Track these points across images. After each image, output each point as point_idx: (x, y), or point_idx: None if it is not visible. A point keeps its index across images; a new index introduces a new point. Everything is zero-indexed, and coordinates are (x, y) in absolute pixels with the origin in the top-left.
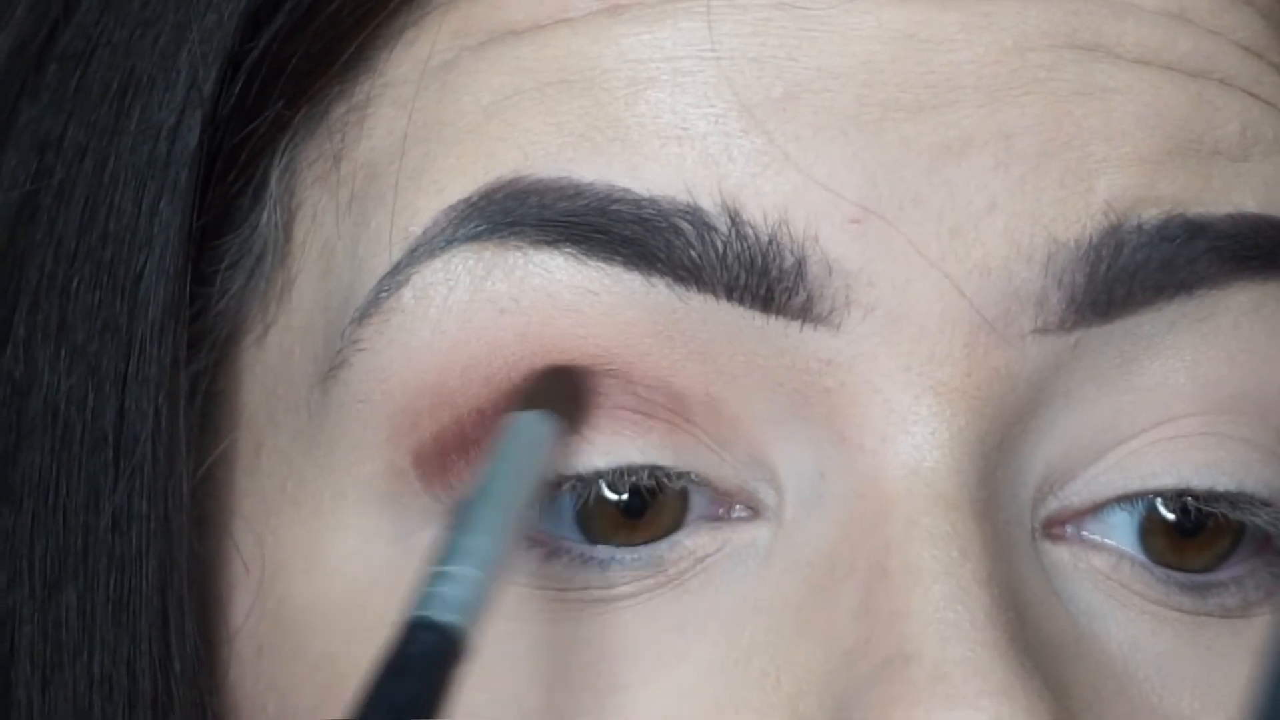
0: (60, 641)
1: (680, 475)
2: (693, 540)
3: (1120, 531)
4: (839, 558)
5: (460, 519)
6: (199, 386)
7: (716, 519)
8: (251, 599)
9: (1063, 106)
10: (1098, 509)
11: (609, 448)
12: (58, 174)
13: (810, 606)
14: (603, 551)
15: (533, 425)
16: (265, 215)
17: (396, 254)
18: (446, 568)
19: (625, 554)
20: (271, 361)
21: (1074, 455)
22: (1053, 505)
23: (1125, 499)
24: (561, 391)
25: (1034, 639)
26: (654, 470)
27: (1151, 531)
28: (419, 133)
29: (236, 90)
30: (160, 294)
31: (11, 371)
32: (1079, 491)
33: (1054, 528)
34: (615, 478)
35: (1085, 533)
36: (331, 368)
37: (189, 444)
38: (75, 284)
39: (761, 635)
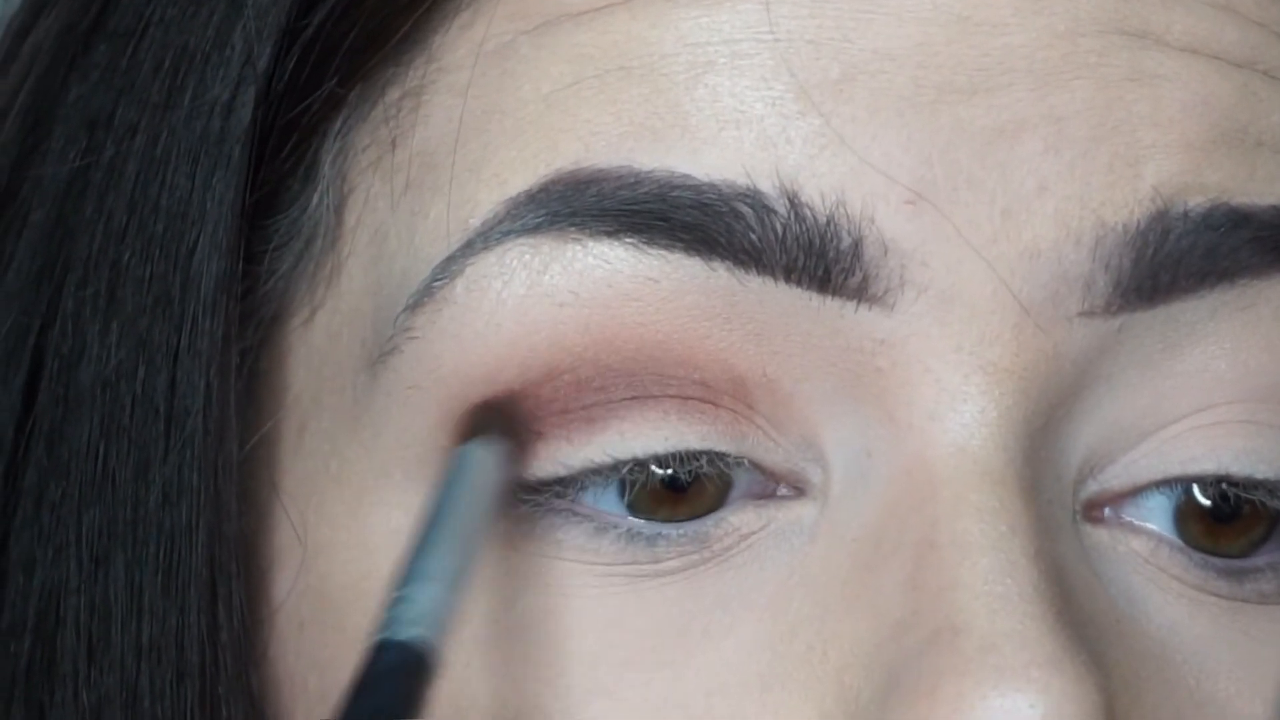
0: (108, 612)
1: (737, 461)
2: (738, 517)
3: (1157, 516)
4: (886, 533)
5: (416, 545)
6: (244, 365)
7: (762, 497)
8: (294, 575)
9: (1112, 92)
10: (1137, 492)
11: (670, 433)
12: (108, 150)
13: (857, 581)
14: (649, 527)
15: (480, 452)
16: (317, 197)
17: (452, 245)
18: (404, 591)
19: (671, 529)
20: (317, 343)
21: (1115, 439)
22: (1092, 488)
23: (1164, 483)
24: (499, 421)
25: (1077, 617)
26: (713, 457)
27: (1187, 517)
28: (477, 121)
29: (290, 67)
30: (213, 268)
31: (59, 346)
32: (1119, 475)
33: (1093, 510)
34: (674, 463)
35: (1124, 516)
36: (382, 353)
37: (237, 420)
38: (126, 258)
39: (807, 610)
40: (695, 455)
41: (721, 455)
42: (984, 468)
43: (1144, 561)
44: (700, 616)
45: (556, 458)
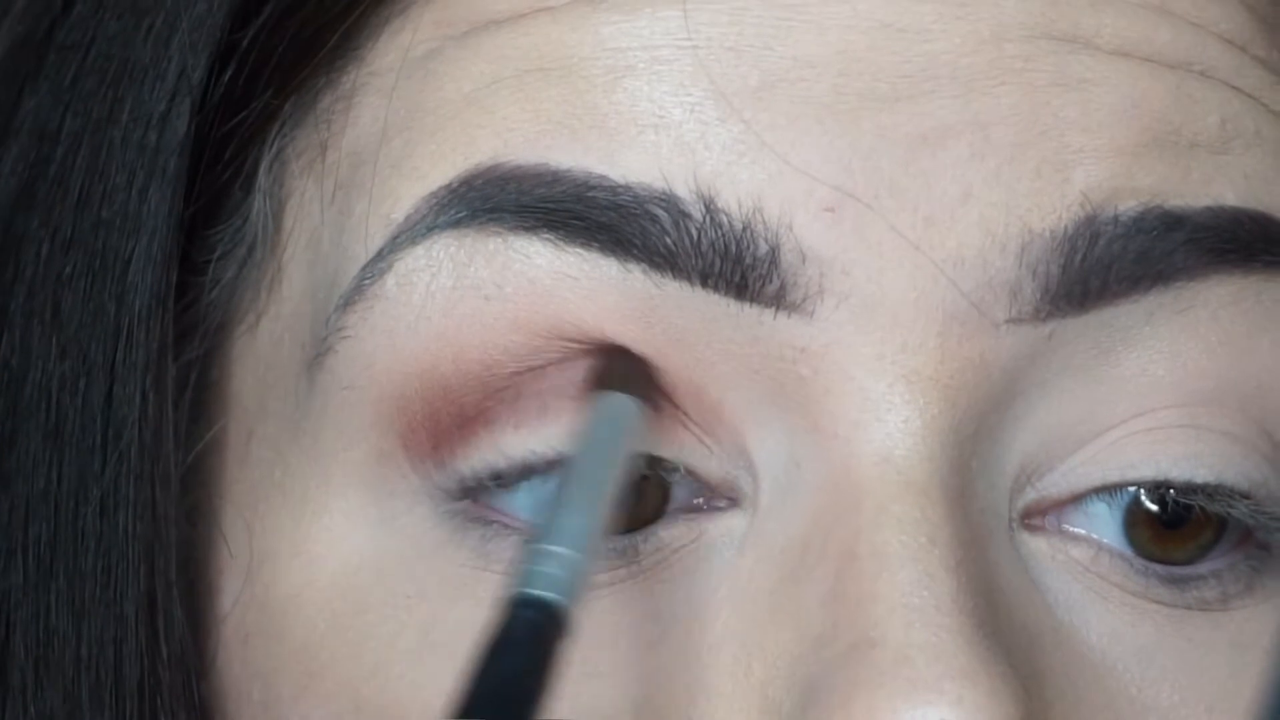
0: (51, 626)
1: (673, 468)
2: (669, 532)
3: (1103, 523)
4: (810, 545)
5: (556, 498)
6: (190, 376)
7: (695, 510)
8: (239, 586)
9: (1039, 97)
10: (1077, 500)
11: None
12: (54, 163)
13: (782, 593)
14: None
15: (618, 405)
16: (256, 205)
17: (378, 241)
18: (545, 546)
19: (611, 542)
20: (263, 350)
21: (1052, 446)
22: (1030, 496)
23: (1104, 490)
24: (632, 372)
25: (1006, 627)
26: (651, 460)
27: (1136, 523)
28: (401, 121)
29: (226, 79)
30: (148, 280)
31: (8, 358)
32: (1057, 482)
33: (1032, 518)
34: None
35: (1065, 524)
36: (317, 355)
37: (178, 431)
38: (68, 271)
39: (735, 622)
40: (644, 458)
41: (660, 460)
42: (907, 478)
43: (1084, 570)
44: (629, 629)
45: (498, 445)
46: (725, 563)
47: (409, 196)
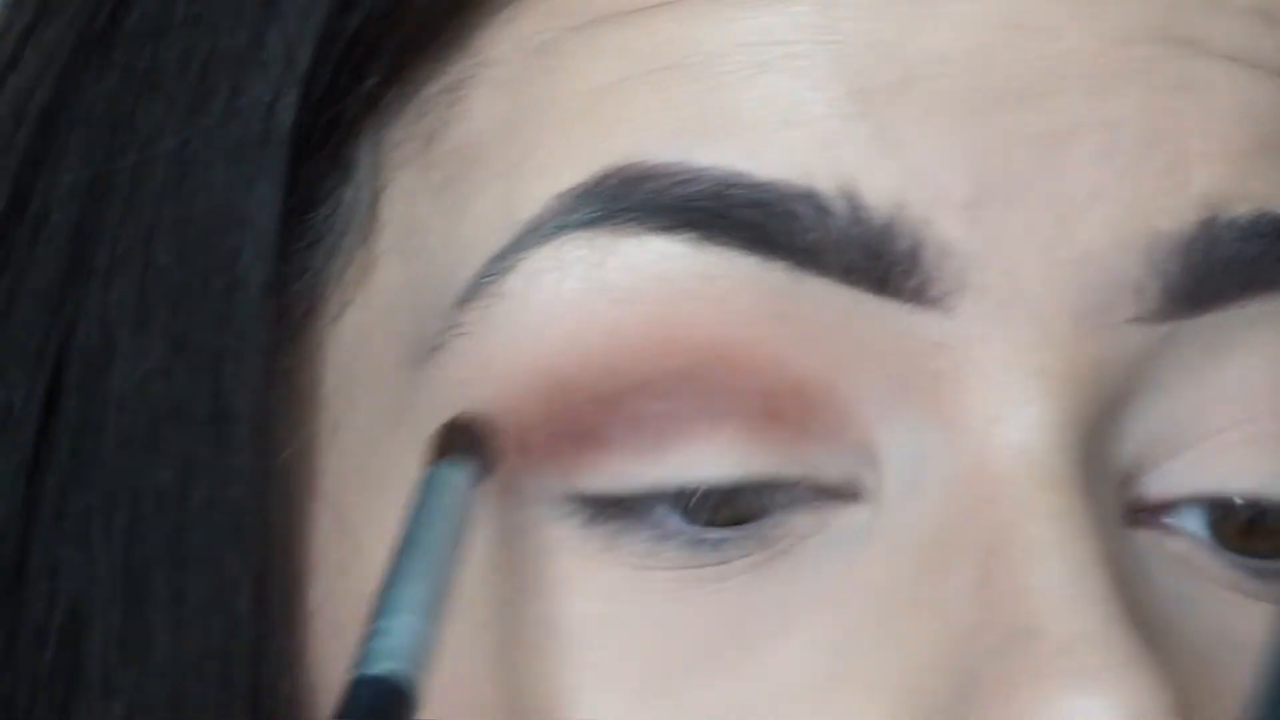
0: (147, 622)
1: (793, 484)
2: (795, 519)
3: (1191, 517)
4: (948, 538)
5: (389, 574)
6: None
7: (815, 502)
8: (330, 579)
9: (1162, 99)
10: (1176, 503)
11: (739, 458)
12: (131, 153)
13: (922, 585)
14: (713, 533)
15: (450, 474)
16: (350, 194)
17: (501, 239)
18: (380, 623)
19: (733, 533)
20: (348, 341)
21: (1157, 446)
22: (1134, 491)
23: (1199, 499)
24: (468, 440)
25: (1138, 618)
26: (778, 485)
27: (1220, 519)
28: (521, 115)
29: (330, 68)
30: (259, 273)
31: (85, 349)
32: (1158, 481)
33: (1136, 513)
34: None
35: (1163, 519)
36: (429, 350)
37: (278, 423)
38: (160, 261)
39: (870, 613)
40: (764, 483)
41: (784, 482)
42: (1047, 470)
43: (1183, 564)
44: (759, 618)
45: (625, 473)
46: (851, 554)
47: (537, 194)
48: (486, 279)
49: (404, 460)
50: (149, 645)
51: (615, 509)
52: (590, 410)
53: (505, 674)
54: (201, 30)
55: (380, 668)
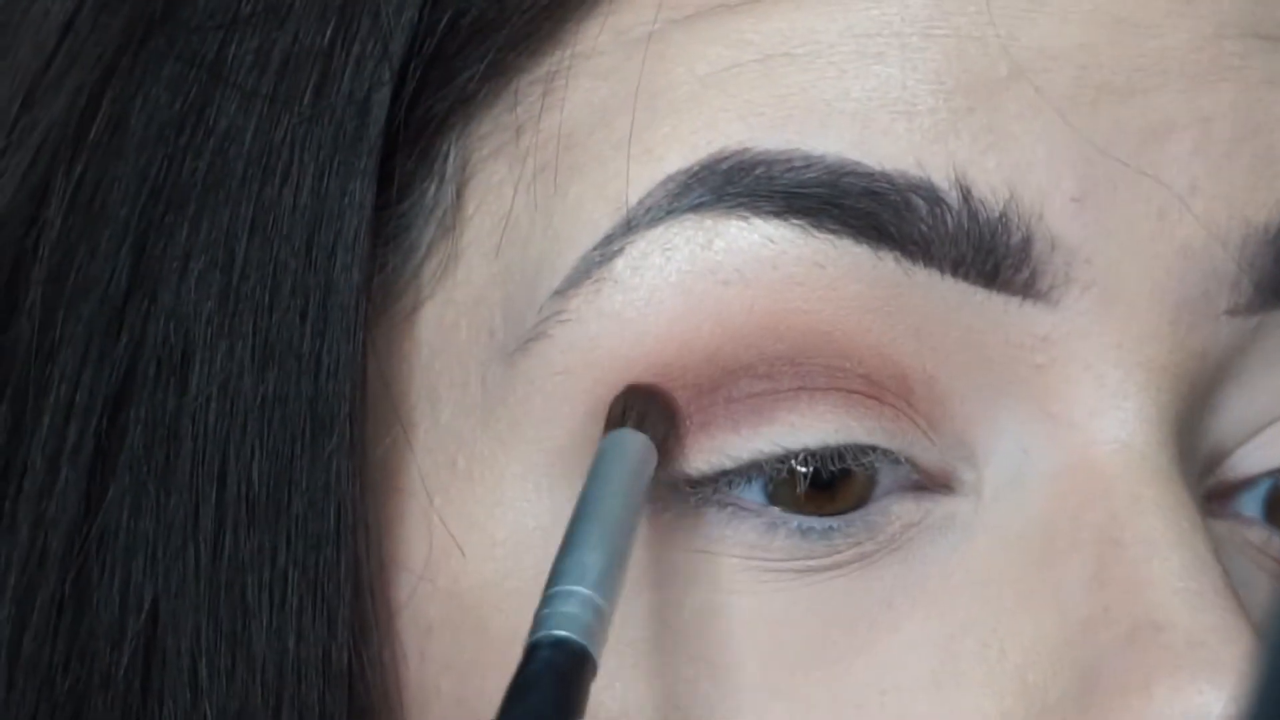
0: (244, 622)
1: (895, 460)
2: (899, 507)
3: (1249, 506)
4: (1056, 530)
5: (569, 538)
6: None
7: (916, 489)
8: (417, 576)
9: (1253, 94)
10: (1249, 483)
11: (839, 426)
12: (203, 148)
13: (1031, 578)
14: (820, 522)
15: (632, 440)
16: (433, 188)
17: (606, 224)
18: (558, 588)
19: (841, 522)
20: (427, 337)
21: (1235, 433)
22: (1211, 481)
23: (1270, 474)
24: (652, 410)
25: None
26: (881, 452)
27: (1276, 506)
28: (625, 103)
29: (423, 65)
30: (355, 272)
31: (160, 345)
32: (1233, 467)
33: (1211, 503)
34: (840, 459)
35: (1235, 509)
36: (525, 340)
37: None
38: (240, 259)
39: (977, 607)
40: (865, 450)
41: (888, 452)
42: (1153, 464)
43: (1258, 552)
44: (867, 612)
45: (724, 449)
46: (954, 547)
47: (644, 179)
48: (592, 264)
49: (496, 457)
50: (245, 648)
51: (719, 492)
52: (693, 393)
53: (618, 667)
54: (277, 23)
55: (562, 631)
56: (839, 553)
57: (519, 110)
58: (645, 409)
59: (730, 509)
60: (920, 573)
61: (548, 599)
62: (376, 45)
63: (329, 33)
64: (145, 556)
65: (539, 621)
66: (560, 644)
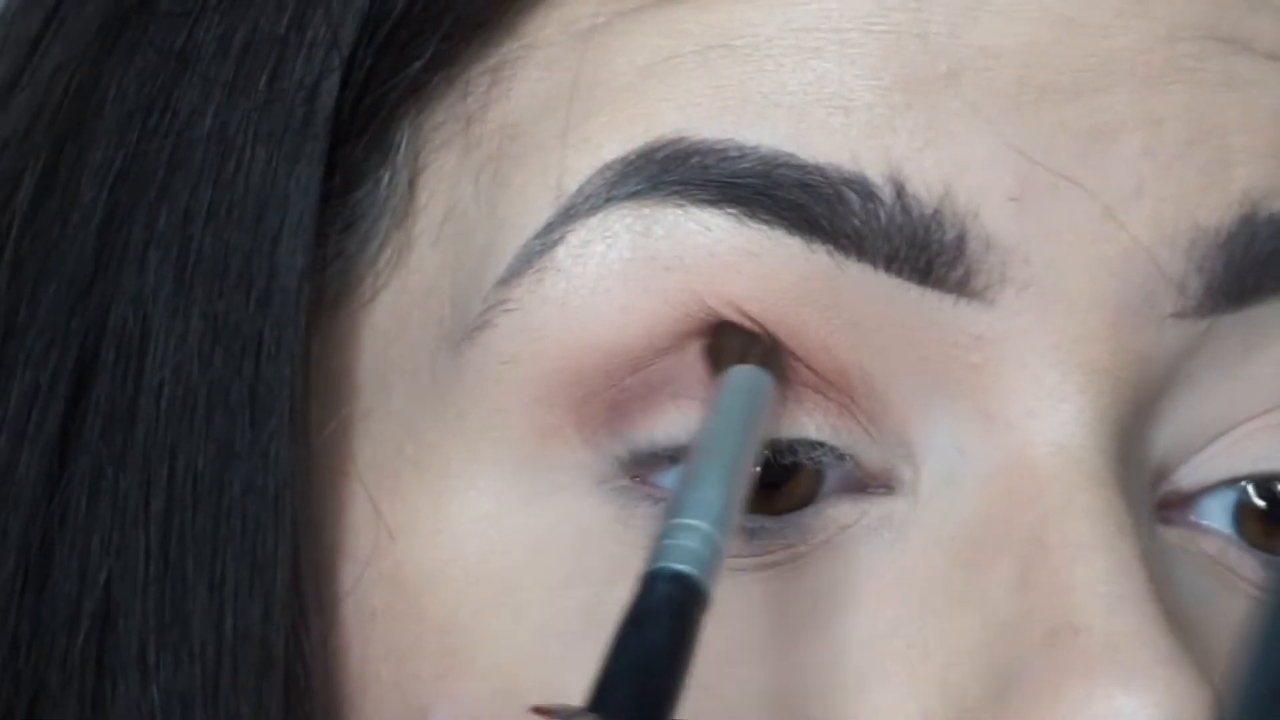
0: (186, 604)
1: (839, 456)
2: (835, 509)
3: (1218, 516)
4: (987, 532)
5: (691, 472)
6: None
7: (855, 491)
8: (363, 562)
9: (1207, 96)
10: (1204, 492)
11: (789, 420)
12: (168, 134)
13: (960, 580)
14: (750, 520)
15: (752, 379)
16: (387, 176)
17: (547, 213)
18: (681, 520)
19: (772, 522)
20: (382, 325)
21: (1188, 439)
22: (1164, 488)
23: (1230, 482)
24: (762, 348)
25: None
26: (817, 445)
27: (1245, 517)
28: (565, 93)
29: (374, 53)
30: (299, 257)
31: (119, 329)
32: (1189, 475)
33: (1165, 510)
34: (788, 449)
35: (1192, 517)
36: (470, 329)
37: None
38: (196, 244)
39: (906, 608)
40: (814, 445)
41: (834, 449)
42: (1088, 468)
43: (1213, 562)
44: (796, 612)
45: (677, 424)
46: (889, 546)
47: (582, 168)
48: (533, 252)
49: (443, 444)
50: (186, 629)
51: (656, 486)
52: (657, 371)
53: (544, 662)
54: (240, 11)
55: (681, 565)
56: (769, 553)
57: (469, 100)
58: (753, 346)
59: (664, 505)
60: (852, 573)
61: (669, 530)
62: (327, 32)
63: (285, 20)
64: (101, 538)
65: (659, 551)
66: (679, 578)
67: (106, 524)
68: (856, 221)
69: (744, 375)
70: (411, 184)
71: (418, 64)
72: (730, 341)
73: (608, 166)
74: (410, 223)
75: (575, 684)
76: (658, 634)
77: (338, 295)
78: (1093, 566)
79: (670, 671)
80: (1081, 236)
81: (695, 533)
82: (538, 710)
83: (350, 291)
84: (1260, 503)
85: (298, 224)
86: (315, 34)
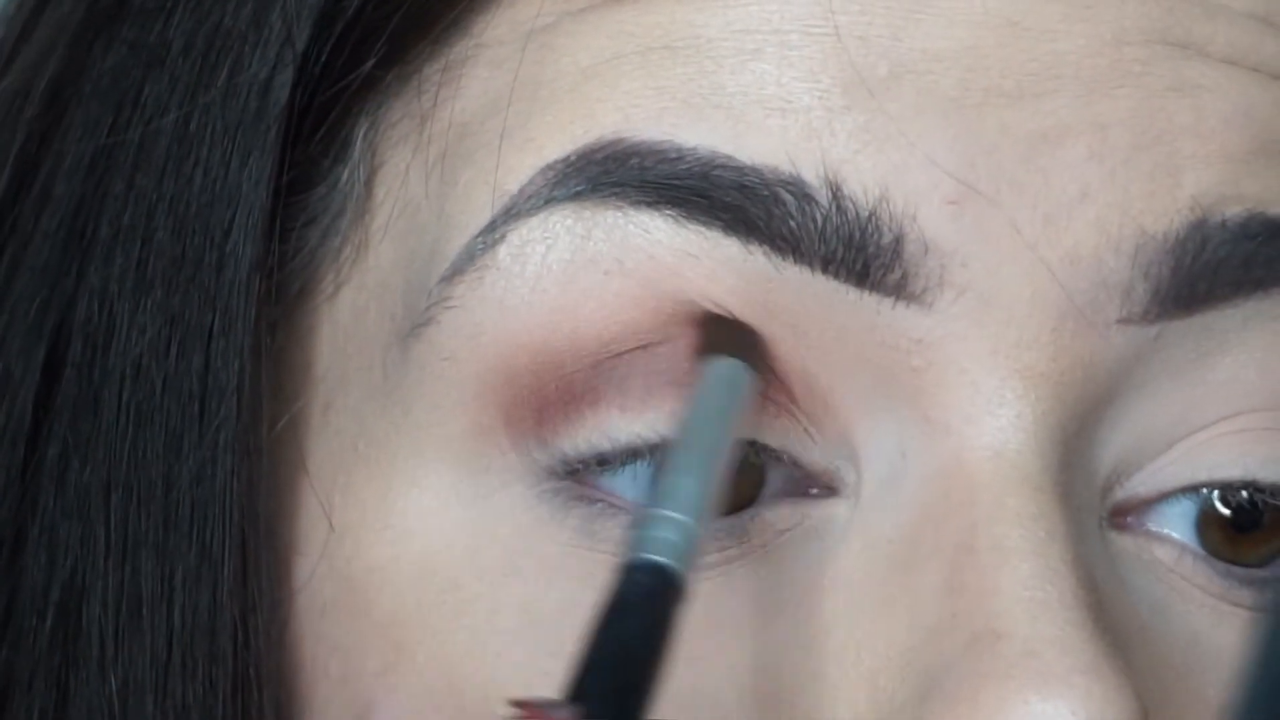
0: (139, 593)
1: (777, 456)
2: (773, 513)
3: (1178, 524)
4: (922, 536)
5: (669, 462)
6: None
7: (796, 494)
8: (316, 557)
9: (1155, 101)
10: (1163, 499)
11: None
12: (136, 128)
13: (892, 583)
14: None
15: (730, 370)
16: (346, 173)
17: (489, 212)
18: (658, 510)
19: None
20: (342, 320)
21: (1144, 446)
22: (1119, 495)
23: (1190, 489)
24: (743, 340)
25: (1108, 624)
26: (760, 448)
27: (1209, 525)
28: (514, 92)
29: (328, 49)
30: (249, 249)
31: (86, 322)
32: (1145, 481)
33: (1119, 517)
34: None
35: (1148, 524)
36: (416, 325)
37: (266, 400)
38: (158, 237)
39: (841, 610)
40: (751, 444)
41: (767, 448)
42: (1022, 473)
43: (1168, 570)
44: (733, 613)
45: (604, 428)
46: (828, 550)
47: (524, 167)
48: (475, 251)
49: (390, 440)
50: (139, 619)
51: (592, 487)
52: (581, 375)
53: (482, 658)
54: (205, 8)
55: (658, 555)
56: (705, 554)
57: (424, 98)
58: (737, 337)
59: (600, 505)
60: (791, 576)
61: (647, 520)
62: (282, 28)
63: (245, 15)
64: (68, 528)
65: (635, 541)
66: (656, 569)
67: (73, 514)
68: (793, 223)
69: (723, 367)
70: (369, 180)
71: (371, 60)
72: (711, 333)
73: (549, 167)
74: (369, 219)
75: (512, 680)
76: (636, 625)
77: (302, 289)
78: (1017, 572)
79: (648, 662)
80: (1022, 241)
81: (673, 524)
82: (515, 702)
83: (314, 286)
84: (1225, 510)
85: (249, 217)
86: (271, 29)
